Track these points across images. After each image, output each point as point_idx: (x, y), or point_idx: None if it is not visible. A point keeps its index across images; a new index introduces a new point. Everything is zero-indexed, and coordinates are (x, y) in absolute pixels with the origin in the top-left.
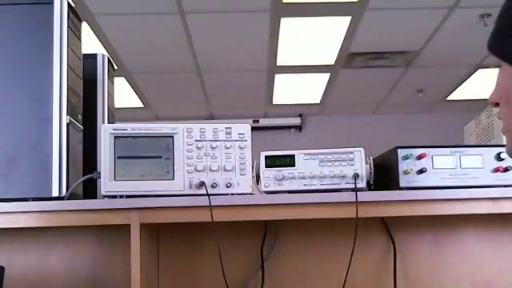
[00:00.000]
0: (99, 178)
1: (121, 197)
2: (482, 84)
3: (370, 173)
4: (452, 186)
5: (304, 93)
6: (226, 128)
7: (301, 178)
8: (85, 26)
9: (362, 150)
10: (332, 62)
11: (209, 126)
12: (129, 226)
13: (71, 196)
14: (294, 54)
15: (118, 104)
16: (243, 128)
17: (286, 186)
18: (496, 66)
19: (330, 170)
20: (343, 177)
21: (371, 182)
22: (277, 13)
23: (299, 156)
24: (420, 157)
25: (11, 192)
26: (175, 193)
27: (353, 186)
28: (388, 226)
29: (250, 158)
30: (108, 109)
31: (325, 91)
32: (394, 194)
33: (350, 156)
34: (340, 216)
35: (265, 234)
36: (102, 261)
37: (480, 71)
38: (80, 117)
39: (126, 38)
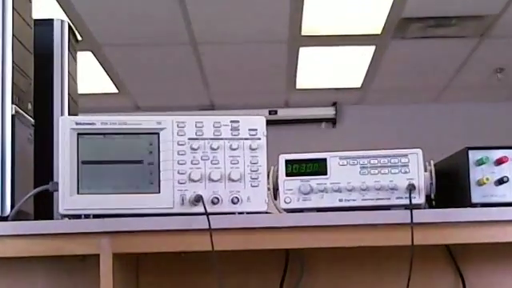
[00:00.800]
0: (57, 190)
1: (86, 216)
2: None
3: (431, 183)
4: None
5: (340, 73)
6: (231, 122)
7: (335, 191)
8: None
9: (419, 151)
10: (378, 31)
11: (208, 118)
12: (97, 256)
13: (18, 215)
14: (325, 19)
15: (82, 89)
16: (256, 122)
17: (315, 201)
18: None
19: (375, 179)
20: (393, 189)
21: (432, 197)
22: None
23: (333, 160)
24: (499, 161)
25: None
26: (161, 211)
27: (407, 201)
28: (455, 257)
29: (266, 164)
30: (69, 95)
31: (368, 71)
32: (463, 213)
33: (404, 160)
34: (389, 243)
35: (286, 267)
36: None
37: None
38: (30, 106)
39: None
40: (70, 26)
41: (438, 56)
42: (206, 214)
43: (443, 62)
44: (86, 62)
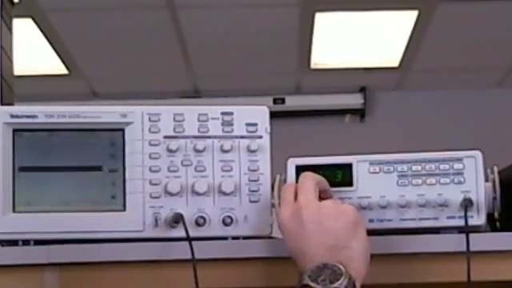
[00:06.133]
0: None
1: (25, 243)
2: None
3: (494, 198)
4: None
5: (370, 48)
6: (222, 114)
7: (363, 209)
8: None
9: (478, 154)
10: None
11: (191, 109)
12: None
13: None
14: None
15: (19, 69)
16: (256, 114)
17: None
18: None
19: (418, 192)
20: (443, 205)
21: (496, 216)
22: None
23: (361, 166)
24: None
25: None
26: (127, 235)
27: (462, 222)
28: None
29: (269, 171)
30: (1, 77)
31: (408, 45)
32: None
33: (457, 166)
34: (437, 279)
35: None
36: None
37: None
38: None
39: None
40: None
41: (504, 24)
42: (189, 239)
43: (509, 32)
44: (25, 32)
